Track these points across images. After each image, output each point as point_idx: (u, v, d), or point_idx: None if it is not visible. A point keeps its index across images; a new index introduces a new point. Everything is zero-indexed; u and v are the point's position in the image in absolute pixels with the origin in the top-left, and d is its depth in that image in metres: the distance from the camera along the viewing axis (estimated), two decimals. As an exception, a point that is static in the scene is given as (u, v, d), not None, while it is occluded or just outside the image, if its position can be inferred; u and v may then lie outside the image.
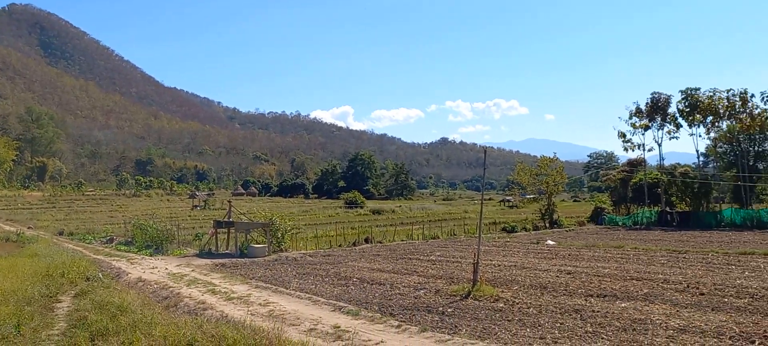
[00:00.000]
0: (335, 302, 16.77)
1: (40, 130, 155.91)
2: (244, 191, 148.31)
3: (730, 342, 11.39)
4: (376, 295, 17.98)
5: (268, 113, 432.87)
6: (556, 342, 11.83)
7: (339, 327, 13.42)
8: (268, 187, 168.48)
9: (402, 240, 42.39)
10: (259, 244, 32.91)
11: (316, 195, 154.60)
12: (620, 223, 58.57)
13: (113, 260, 29.84)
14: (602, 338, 12.03)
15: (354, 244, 38.50)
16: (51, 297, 17.81)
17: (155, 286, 20.97)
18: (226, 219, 36.26)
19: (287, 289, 19.49)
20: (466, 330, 13.01)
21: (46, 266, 23.50)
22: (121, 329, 12.08)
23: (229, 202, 41.30)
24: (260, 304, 16.82)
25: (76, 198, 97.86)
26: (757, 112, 55.52)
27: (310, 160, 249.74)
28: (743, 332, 12.05)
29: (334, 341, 12.23)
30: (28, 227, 51.65)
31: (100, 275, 22.40)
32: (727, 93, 56.64)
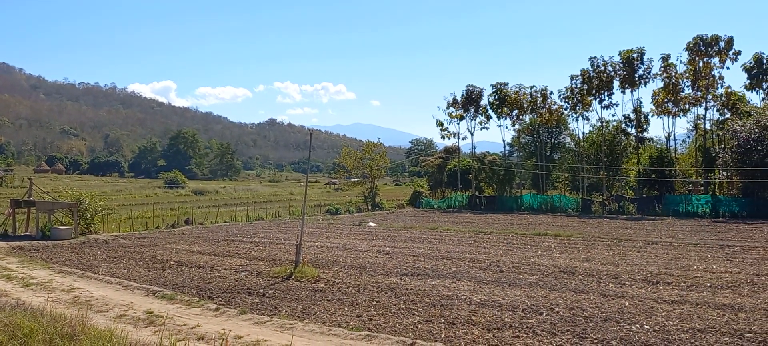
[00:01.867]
0: (149, 286, 16.06)
1: None
2: (48, 168, 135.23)
3: (523, 314, 12.73)
4: (195, 278, 17.50)
5: (79, 84, 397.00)
6: (371, 319, 12.40)
7: (152, 312, 12.90)
8: (77, 164, 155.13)
9: (225, 222, 41.44)
10: (64, 226, 30.33)
11: (133, 174, 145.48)
12: (436, 206, 62.17)
13: None
14: (414, 314, 12.83)
15: (173, 226, 36.91)
16: None
17: (-65, 273, 18.53)
18: (26, 198, 32.90)
19: (95, 273, 18.27)
20: (286, 311, 13.17)
21: None
22: None
23: (31, 179, 37.47)
24: (64, 290, 15.61)
25: None
26: (554, 107, 61.68)
27: (126, 136, 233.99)
28: (534, 305, 13.53)
29: (145, 327, 11.74)
30: None
31: None
32: (531, 89, 62.23)
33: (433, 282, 16.71)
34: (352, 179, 71.58)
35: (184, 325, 11.84)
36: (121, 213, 42.55)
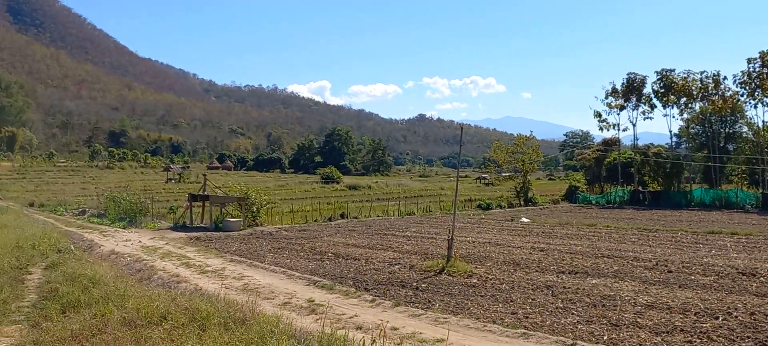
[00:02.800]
0: (310, 276, 16.81)
1: (9, 99, 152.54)
2: (219, 165, 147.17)
3: (695, 318, 11.68)
4: (351, 270, 18.06)
5: (245, 86, 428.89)
6: (527, 317, 12.03)
7: (313, 301, 13.47)
8: (243, 161, 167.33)
9: (378, 216, 42.52)
10: (234, 218, 32.76)
11: (293, 170, 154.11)
12: (594, 201, 59.36)
13: (85, 232, 29.49)
14: (573, 314, 12.26)
15: (330, 219, 38.52)
16: (21, 269, 17.54)
17: (128, 259, 20.80)
18: (201, 193, 35.99)
19: (262, 263, 19.47)
20: (439, 305, 13.15)
21: (16, 238, 23.11)
22: (93, 301, 11.98)
23: (204, 175, 40.97)
24: (235, 277, 16.79)
25: (47, 169, 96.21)
26: (728, 94, 56.37)
27: (286, 134, 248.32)
28: (708, 309, 12.36)
29: (308, 315, 12.28)
30: (-2, 198, 50.78)
31: (72, 247, 22.12)
32: (701, 75, 57.40)
33: (593, 281, 15.88)
34: (503, 174, 70.34)
35: (343, 314, 12.23)
36: (283, 207, 45.17)
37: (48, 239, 23.19)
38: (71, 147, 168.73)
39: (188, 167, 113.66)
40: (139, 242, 25.44)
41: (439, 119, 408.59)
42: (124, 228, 31.67)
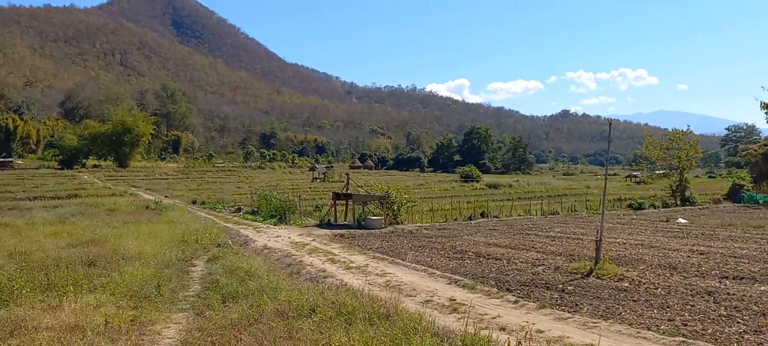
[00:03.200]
0: (451, 275, 16.78)
1: (174, 105, 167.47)
2: (361, 164, 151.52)
3: None
4: (492, 269, 17.79)
5: (385, 87, 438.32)
6: (685, 324, 11.17)
7: (455, 300, 13.43)
8: (384, 160, 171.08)
9: (519, 215, 41.59)
10: (375, 216, 33.54)
11: (432, 169, 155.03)
12: (761, 201, 53.95)
13: (241, 228, 31.58)
14: (738, 322, 11.21)
15: (469, 218, 38.26)
16: (186, 261, 19.11)
17: (279, 253, 21.98)
18: (344, 191, 37.23)
19: (403, 261, 19.73)
20: (588, 309, 12.58)
21: (182, 233, 25.24)
22: (249, 292, 12.80)
23: (347, 174, 42.35)
24: (377, 274, 17.17)
25: (207, 169, 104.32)
26: None
27: (425, 133, 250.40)
28: None
29: (449, 313, 12.26)
30: (165, 196, 55.62)
31: (230, 242, 23.79)
32: None
33: (762, 288, 14.42)
34: (657, 172, 65.94)
35: (485, 314, 12.07)
36: (422, 205, 45.54)
37: (209, 234, 25.11)
38: (228, 149, 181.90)
39: (332, 167, 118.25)
40: (289, 238, 26.80)
41: (584, 115, 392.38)
42: (274, 225, 33.53)
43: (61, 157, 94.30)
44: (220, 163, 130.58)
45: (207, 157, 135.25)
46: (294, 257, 20.99)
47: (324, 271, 17.87)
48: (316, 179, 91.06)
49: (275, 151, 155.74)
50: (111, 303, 12.22)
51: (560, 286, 15.07)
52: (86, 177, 75.57)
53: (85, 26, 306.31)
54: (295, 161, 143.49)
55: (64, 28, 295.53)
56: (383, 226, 31.98)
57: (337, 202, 36.38)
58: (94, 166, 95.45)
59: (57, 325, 10.29)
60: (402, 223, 34.45)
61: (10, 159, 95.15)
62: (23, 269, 14.39)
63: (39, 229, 26.72)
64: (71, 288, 13.03)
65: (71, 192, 55.36)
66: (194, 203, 50.78)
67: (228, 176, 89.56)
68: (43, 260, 16.94)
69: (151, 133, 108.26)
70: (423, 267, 18.26)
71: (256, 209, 40.88)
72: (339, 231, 29.81)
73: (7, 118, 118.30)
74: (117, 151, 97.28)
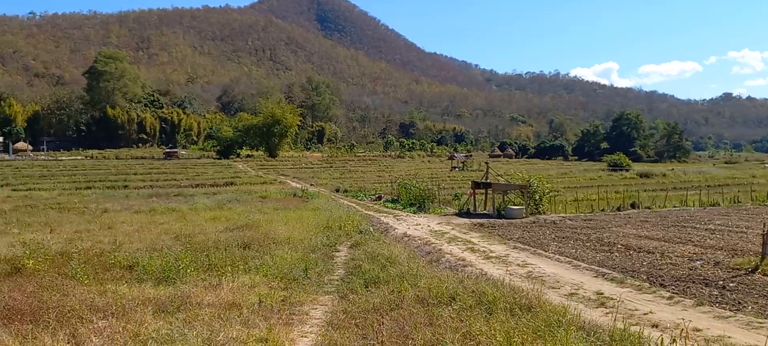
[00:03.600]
0: (597, 268, 16.05)
1: (318, 97, 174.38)
2: (500, 153, 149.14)
3: None
4: (644, 263, 16.77)
5: (526, 74, 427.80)
6: None
7: (602, 294, 12.83)
8: (525, 149, 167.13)
9: (674, 206, 38.83)
10: (516, 205, 32.87)
11: (576, 157, 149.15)
12: None
13: (381, 216, 32.31)
14: None
15: (618, 209, 36.32)
16: (331, 246, 19.89)
17: (419, 241, 22.22)
18: (483, 180, 36.84)
19: (545, 252, 19.17)
20: (753, 308, 11.49)
21: (327, 219, 26.30)
22: (390, 278, 13.07)
23: (487, 163, 41.86)
24: (518, 264, 16.82)
25: (349, 159, 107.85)
26: None
27: (569, 120, 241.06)
28: None
29: (596, 308, 11.74)
30: (311, 184, 58.25)
31: (371, 229, 24.42)
32: None
33: None
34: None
35: (636, 310, 11.42)
36: (566, 195, 43.97)
37: (351, 221, 25.95)
38: (368, 139, 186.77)
39: (471, 156, 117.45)
40: (428, 226, 27.02)
41: (749, 98, 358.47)
42: (414, 213, 33.94)
43: (218, 147, 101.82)
44: (362, 152, 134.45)
45: (349, 147, 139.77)
46: (433, 245, 21.13)
47: (463, 260, 17.82)
48: (455, 167, 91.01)
49: (414, 141, 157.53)
50: (264, 284, 13.03)
51: (721, 282, 13.90)
52: (240, 166, 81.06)
53: (239, 25, 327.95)
54: (434, 150, 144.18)
55: (221, 27, 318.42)
56: (524, 216, 31.27)
57: (476, 191, 36.10)
58: (247, 155, 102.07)
59: (217, 302, 11.15)
60: (544, 213, 33.48)
61: (176, 149, 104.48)
62: (188, 251, 15.72)
63: (200, 214, 29.07)
64: (229, 269, 14.03)
65: (228, 180, 59.71)
66: (337, 191, 52.66)
67: (369, 165, 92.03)
68: (204, 242, 18.42)
69: (297, 125, 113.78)
70: (567, 259, 17.63)
71: (395, 198, 41.61)
72: (478, 220, 29.57)
73: (172, 113, 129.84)
74: (267, 142, 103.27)
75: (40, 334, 8.89)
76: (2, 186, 50.91)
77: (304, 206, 34.05)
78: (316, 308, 11.49)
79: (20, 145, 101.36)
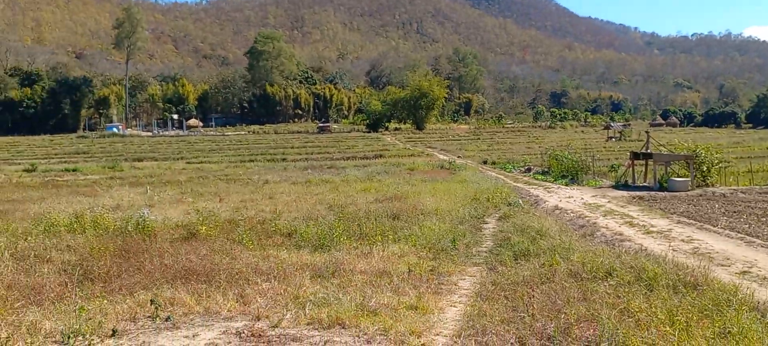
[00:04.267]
0: (775, 245, 14.51)
1: (465, 69, 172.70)
2: (662, 121, 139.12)
3: None
4: (835, 242, 14.89)
5: (692, 35, 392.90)
6: None
7: (781, 273, 11.59)
8: (690, 116, 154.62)
9: None
10: (680, 177, 30.54)
11: (751, 125, 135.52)
12: None
13: (531, 188, 31.54)
14: None
15: (801, 181, 32.56)
16: (478, 218, 19.75)
17: (571, 215, 21.42)
18: (643, 150, 34.60)
19: (714, 227, 17.65)
20: None
21: (474, 191, 26.14)
22: (540, 251, 12.74)
23: (647, 132, 39.25)
24: (683, 240, 15.65)
25: (496, 130, 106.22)
26: None
27: (742, 85, 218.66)
28: None
29: (774, 289, 10.62)
30: (458, 157, 58.14)
31: (520, 201, 23.91)
32: None
33: None
34: None
35: (823, 294, 10.19)
36: (738, 166, 40.16)
37: (499, 193, 25.58)
38: (517, 109, 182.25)
39: (629, 125, 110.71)
40: (581, 199, 25.93)
41: None
42: (566, 185, 32.74)
43: (367, 121, 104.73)
44: (510, 123, 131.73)
45: (497, 118, 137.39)
46: (587, 218, 20.26)
47: (620, 234, 16.91)
48: (610, 138, 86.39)
49: (566, 110, 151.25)
50: (413, 253, 13.26)
51: None
52: (389, 139, 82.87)
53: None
54: (588, 120, 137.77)
55: (369, 3, 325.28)
56: (690, 188, 28.98)
57: (635, 162, 34.05)
58: (395, 129, 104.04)
59: (368, 269, 11.53)
60: (712, 185, 30.83)
61: (328, 124, 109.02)
62: (341, 220, 16.37)
63: (352, 185, 30.17)
64: (379, 238, 14.43)
65: (377, 153, 61.37)
66: (485, 163, 52.16)
67: (517, 137, 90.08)
68: (356, 212, 19.08)
69: (444, 97, 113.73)
70: (739, 235, 16.11)
71: (546, 169, 40.39)
72: (637, 193, 27.89)
73: (325, 89, 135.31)
74: (414, 115, 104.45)
75: (213, 293, 9.74)
76: (178, 159, 56.25)
77: (451, 178, 34.12)
78: (464, 279, 11.50)
79: (192, 121, 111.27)
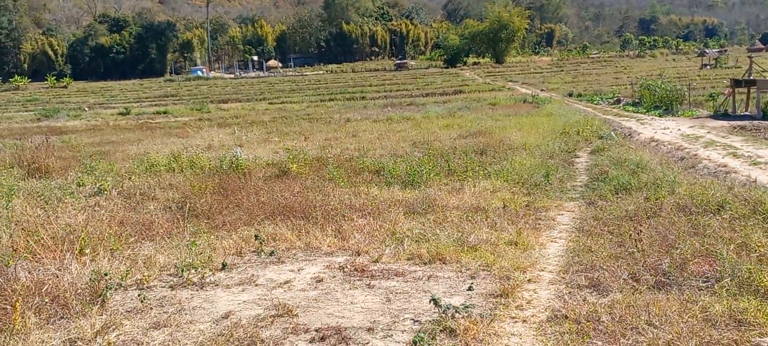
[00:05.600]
0: None
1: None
2: (762, 46, 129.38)
3: None
4: None
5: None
6: None
7: None
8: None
9: None
10: (788, 105, 28.38)
11: None
12: None
13: (622, 120, 30.21)
14: None
15: None
16: (569, 153, 19.11)
17: (669, 146, 20.38)
18: (745, 77, 32.31)
19: (831, 157, 16.36)
20: None
21: (562, 125, 25.28)
22: (642, 185, 12.18)
23: (750, 57, 36.58)
24: (798, 172, 14.59)
25: (581, 61, 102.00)
26: None
27: None
28: None
29: None
30: (541, 90, 56.25)
31: (613, 134, 22.96)
32: None
33: None
34: None
35: None
36: None
37: (589, 125, 24.65)
38: (603, 38, 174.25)
39: (726, 51, 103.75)
40: (678, 130, 24.60)
41: None
42: (659, 116, 31.13)
43: (445, 56, 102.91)
44: (595, 53, 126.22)
45: (581, 48, 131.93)
46: (686, 150, 19.21)
47: (724, 166, 15.93)
48: (705, 65, 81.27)
49: (656, 38, 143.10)
50: (505, 189, 12.99)
51: None
52: (467, 74, 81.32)
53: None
54: (680, 47, 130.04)
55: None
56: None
57: (736, 90, 31.89)
58: (474, 63, 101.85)
59: (461, 205, 11.39)
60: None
61: (405, 60, 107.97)
62: (428, 157, 16.23)
63: (433, 122, 29.85)
64: (470, 174, 14.22)
65: (456, 88, 60.33)
66: (570, 95, 50.30)
67: (604, 67, 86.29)
68: (441, 148, 18.88)
69: (525, 28, 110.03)
70: None
71: (637, 100, 38.51)
72: (739, 123, 26.14)
73: (401, 24, 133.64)
74: (494, 48, 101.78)
75: (311, 229, 9.90)
76: (260, 100, 57.41)
77: (536, 112, 33.14)
78: (562, 214, 11.17)
79: (271, 62, 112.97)
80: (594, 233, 9.31)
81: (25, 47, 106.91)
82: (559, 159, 17.58)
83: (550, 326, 6.16)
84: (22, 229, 9.42)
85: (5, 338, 5.80)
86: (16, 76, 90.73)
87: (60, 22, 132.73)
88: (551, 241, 9.39)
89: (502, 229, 9.69)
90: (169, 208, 11.55)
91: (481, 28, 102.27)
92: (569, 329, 6.02)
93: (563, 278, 7.50)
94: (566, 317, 6.29)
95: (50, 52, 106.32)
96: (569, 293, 7.00)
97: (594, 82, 61.81)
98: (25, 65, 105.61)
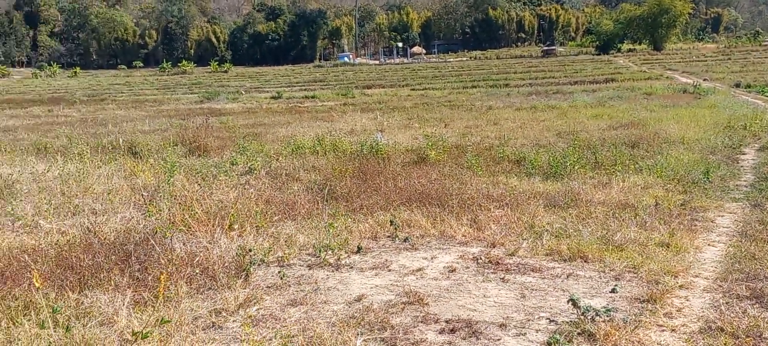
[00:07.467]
0: None
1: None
2: None
3: None
4: None
5: None
6: None
7: None
8: None
9: None
10: None
11: None
12: None
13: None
14: None
15: None
16: (734, 149, 17.38)
17: None
18: None
19: None
20: None
21: (727, 118, 23.10)
22: (821, 188, 10.76)
23: None
24: None
25: (752, 49, 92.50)
26: None
27: None
28: None
29: None
30: (704, 79, 51.80)
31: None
32: None
33: None
34: None
35: None
36: None
37: (759, 120, 22.27)
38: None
39: None
40: None
41: None
42: None
43: (597, 43, 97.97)
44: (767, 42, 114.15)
45: (752, 35, 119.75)
46: None
47: None
48: None
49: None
50: (658, 185, 12.04)
51: None
52: (621, 61, 76.85)
53: None
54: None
55: None
56: None
57: None
58: (629, 50, 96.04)
59: (608, 201, 10.71)
60: None
61: (554, 47, 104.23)
62: (573, 147, 15.47)
63: (580, 111, 28.48)
64: (619, 167, 13.38)
65: (608, 76, 57.16)
66: (737, 86, 45.89)
67: (780, 55, 77.73)
68: (588, 139, 17.94)
69: (688, 13, 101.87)
70: None
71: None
72: None
73: (550, 9, 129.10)
74: (652, 34, 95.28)
75: (446, 217, 9.78)
76: (403, 86, 58.09)
77: (697, 103, 30.55)
78: (722, 216, 10.14)
79: (415, 49, 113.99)
80: (759, 238, 8.36)
81: (191, 34, 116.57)
82: (722, 155, 16.05)
83: (703, 339, 5.59)
84: (180, 203, 10.17)
85: (159, 304, 6.26)
86: (184, 61, 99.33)
87: (223, 10, 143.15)
88: (708, 244, 8.55)
89: (653, 228, 8.97)
90: (311, 189, 11.94)
91: (638, 12, 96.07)
92: (725, 343, 5.43)
93: (720, 286, 6.79)
94: (722, 330, 5.68)
95: (213, 39, 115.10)
96: (727, 303, 6.32)
97: (766, 73, 55.95)
98: (192, 51, 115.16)
